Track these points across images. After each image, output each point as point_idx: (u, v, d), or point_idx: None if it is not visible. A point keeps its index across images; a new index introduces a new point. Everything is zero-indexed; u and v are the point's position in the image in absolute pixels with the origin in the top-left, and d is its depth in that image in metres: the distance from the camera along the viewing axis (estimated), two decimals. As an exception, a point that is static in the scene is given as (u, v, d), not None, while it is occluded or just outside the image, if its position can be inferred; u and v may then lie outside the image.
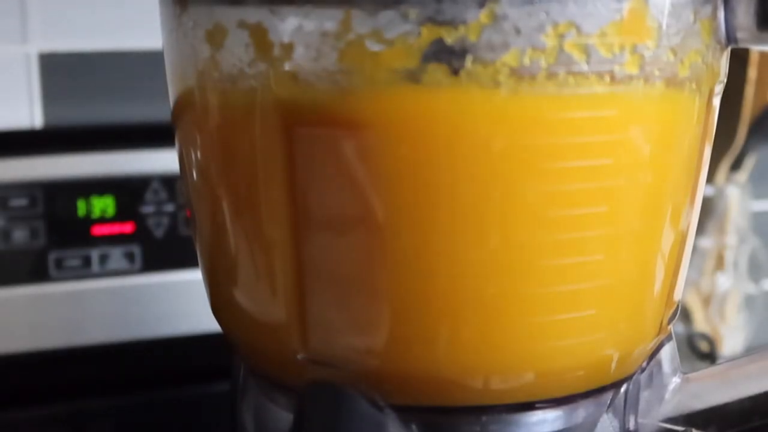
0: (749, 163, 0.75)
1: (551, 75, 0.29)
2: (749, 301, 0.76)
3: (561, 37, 0.29)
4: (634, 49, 0.30)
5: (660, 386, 0.37)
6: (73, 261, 0.57)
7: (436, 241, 0.30)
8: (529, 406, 0.33)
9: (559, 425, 0.34)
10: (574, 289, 0.32)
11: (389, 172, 0.30)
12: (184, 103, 0.34)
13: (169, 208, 0.58)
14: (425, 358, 0.32)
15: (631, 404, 0.36)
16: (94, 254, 0.57)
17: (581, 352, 0.33)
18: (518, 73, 0.29)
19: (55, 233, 0.56)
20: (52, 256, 0.56)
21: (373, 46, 0.29)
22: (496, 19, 0.29)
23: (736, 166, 0.74)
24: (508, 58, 0.29)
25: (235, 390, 0.39)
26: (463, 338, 0.31)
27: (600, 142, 0.31)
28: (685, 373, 0.37)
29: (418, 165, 0.30)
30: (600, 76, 0.30)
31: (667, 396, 0.37)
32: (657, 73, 0.31)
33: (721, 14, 0.32)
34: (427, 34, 0.29)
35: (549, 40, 0.29)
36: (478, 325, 0.31)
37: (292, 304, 0.33)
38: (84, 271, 0.57)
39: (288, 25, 0.30)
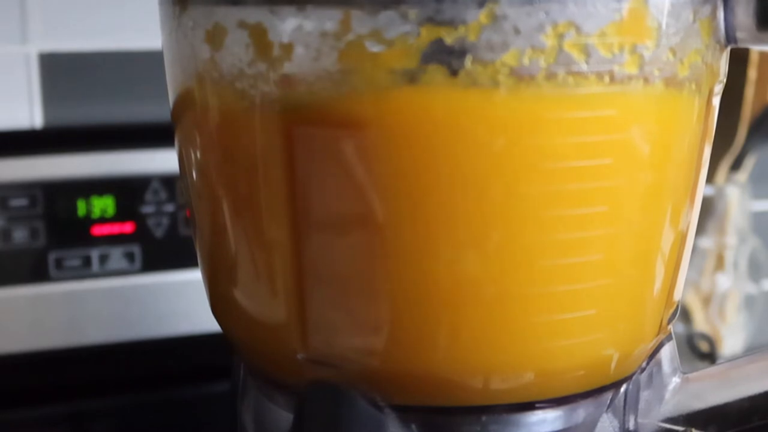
0: (749, 163, 0.75)
1: (551, 75, 0.29)
2: (749, 301, 0.76)
3: (560, 37, 0.29)
4: (634, 49, 0.30)
5: (660, 386, 0.37)
6: (73, 261, 0.57)
7: (435, 241, 0.30)
8: (529, 406, 0.33)
9: (559, 425, 0.34)
10: (574, 289, 0.32)
11: (389, 172, 0.30)
12: (183, 103, 0.34)
13: (169, 208, 0.58)
14: (425, 358, 0.32)
15: (630, 404, 0.36)
16: (94, 254, 0.57)
17: (581, 352, 0.33)
18: (518, 73, 0.29)
19: (55, 233, 0.56)
20: (52, 256, 0.56)
21: (373, 47, 0.29)
22: (495, 19, 0.29)
23: (736, 166, 0.74)
24: (508, 58, 0.29)
25: (235, 390, 0.39)
26: (463, 338, 0.31)
27: (600, 142, 0.31)
28: (685, 373, 0.37)
29: (418, 165, 0.30)
30: (599, 76, 0.30)
31: (667, 396, 0.37)
32: (657, 73, 0.31)
33: (720, 14, 0.32)
34: (427, 34, 0.29)
35: (548, 40, 0.29)
36: (478, 325, 0.31)
37: (292, 304, 0.33)
38: (84, 271, 0.57)
39: (288, 25, 0.30)
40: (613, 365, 0.34)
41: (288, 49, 0.30)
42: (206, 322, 0.48)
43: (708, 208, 0.74)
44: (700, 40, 0.32)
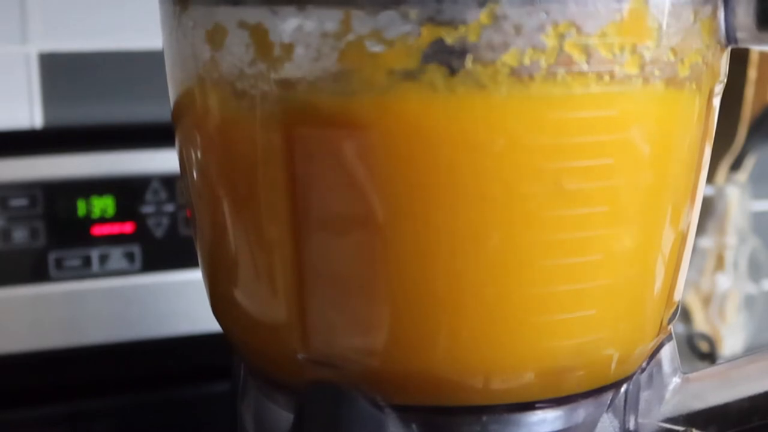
0: (749, 163, 0.75)
1: (551, 75, 0.29)
2: (749, 301, 0.76)
3: (561, 37, 0.29)
4: (635, 50, 0.30)
5: (660, 386, 0.37)
6: (73, 261, 0.57)
7: (435, 241, 0.30)
8: (529, 406, 0.33)
9: (559, 425, 0.34)
10: (574, 289, 0.32)
11: (389, 172, 0.30)
12: (184, 103, 0.34)
13: (169, 208, 0.58)
14: (425, 358, 0.32)
15: (631, 404, 0.36)
16: (94, 254, 0.57)
17: (581, 352, 0.33)
18: (518, 73, 0.29)
19: (55, 233, 0.56)
20: (52, 256, 0.56)
21: (373, 47, 0.29)
22: (496, 19, 0.29)
23: (736, 166, 0.74)
24: (508, 58, 0.29)
25: (235, 390, 0.39)
26: (463, 338, 0.31)
27: (600, 142, 0.31)
28: (685, 373, 0.37)
29: (418, 165, 0.30)
30: (600, 76, 0.30)
31: (667, 396, 0.37)
32: (657, 73, 0.31)
33: (721, 14, 0.32)
34: (427, 34, 0.29)
35: (549, 40, 0.29)
36: (478, 325, 0.31)
37: (292, 304, 0.33)
38: (84, 271, 0.57)
39: (288, 26, 0.30)
40: (613, 365, 0.34)
41: (288, 49, 0.30)
42: (206, 322, 0.48)
43: (708, 208, 0.74)
44: (700, 40, 0.32)
